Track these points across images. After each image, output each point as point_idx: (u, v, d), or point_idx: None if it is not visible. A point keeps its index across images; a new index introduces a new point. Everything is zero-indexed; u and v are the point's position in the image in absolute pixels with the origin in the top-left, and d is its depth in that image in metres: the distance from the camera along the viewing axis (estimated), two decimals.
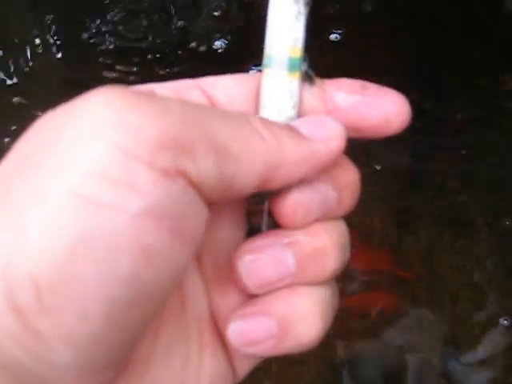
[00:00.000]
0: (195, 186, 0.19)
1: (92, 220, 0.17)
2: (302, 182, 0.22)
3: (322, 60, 0.73)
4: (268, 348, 0.22)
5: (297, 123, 0.22)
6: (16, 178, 0.18)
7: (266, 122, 0.21)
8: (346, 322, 0.69)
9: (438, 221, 0.76)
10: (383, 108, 0.23)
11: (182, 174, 0.18)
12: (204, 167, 0.19)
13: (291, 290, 0.22)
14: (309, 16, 0.22)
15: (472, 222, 0.76)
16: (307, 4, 0.22)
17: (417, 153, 0.78)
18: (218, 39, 0.74)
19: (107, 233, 0.17)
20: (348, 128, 0.23)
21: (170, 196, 0.18)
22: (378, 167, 0.75)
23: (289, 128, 0.22)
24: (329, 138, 0.22)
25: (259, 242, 0.22)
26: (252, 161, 0.20)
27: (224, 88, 0.23)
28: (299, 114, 0.23)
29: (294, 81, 0.23)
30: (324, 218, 0.23)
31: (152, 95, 0.19)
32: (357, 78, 0.24)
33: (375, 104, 0.23)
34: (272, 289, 0.22)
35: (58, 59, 0.81)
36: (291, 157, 0.21)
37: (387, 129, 0.23)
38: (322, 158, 0.21)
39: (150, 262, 0.18)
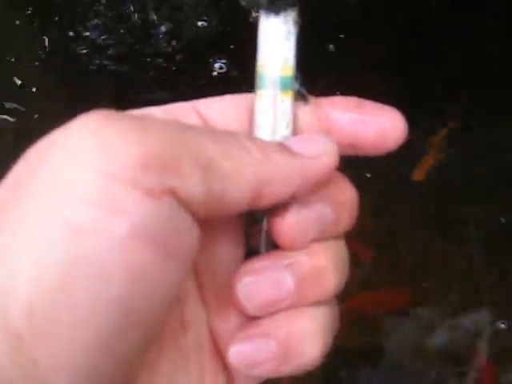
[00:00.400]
0: (184, 203, 0.19)
1: (78, 245, 0.17)
2: (297, 201, 0.22)
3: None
4: (270, 369, 0.22)
5: (289, 142, 0.22)
6: (4, 211, 0.18)
7: (254, 138, 0.22)
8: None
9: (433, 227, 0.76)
10: (379, 125, 0.23)
11: (169, 192, 0.18)
12: (192, 184, 0.19)
13: (291, 311, 0.22)
14: (299, 35, 0.22)
15: (467, 225, 0.75)
16: (297, 23, 0.22)
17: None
18: (217, 62, 0.74)
19: (94, 257, 0.17)
20: (344, 145, 0.23)
21: (155, 215, 0.18)
22: (369, 175, 0.74)
23: (279, 145, 0.22)
24: (320, 154, 0.22)
25: (258, 263, 0.22)
26: (241, 176, 0.20)
27: (219, 109, 0.23)
28: (295, 133, 0.23)
29: (286, 100, 0.22)
30: (322, 237, 0.23)
31: (132, 116, 0.20)
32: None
33: (371, 121, 0.23)
34: (272, 310, 0.22)
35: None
36: (281, 172, 0.21)
37: (384, 145, 0.23)
38: (313, 174, 0.21)
39: (138, 283, 0.18)
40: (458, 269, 0.74)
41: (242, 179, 0.20)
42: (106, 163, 0.18)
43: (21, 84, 0.80)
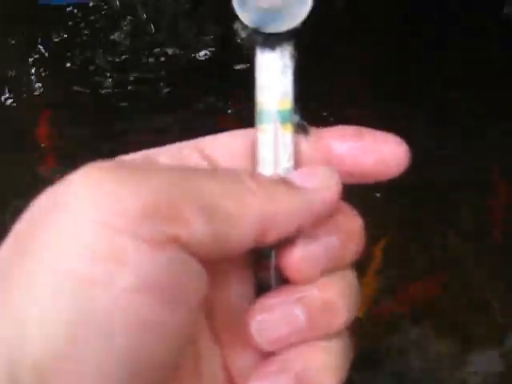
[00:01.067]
0: (189, 248, 0.19)
1: (86, 299, 0.17)
2: (304, 234, 0.22)
3: None
4: None
5: (291, 175, 0.22)
6: (10, 265, 0.18)
7: (256, 176, 0.22)
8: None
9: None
10: (379, 151, 0.23)
11: (173, 240, 0.18)
12: (195, 228, 0.19)
13: (305, 346, 0.22)
14: (296, 68, 0.22)
15: (482, 234, 0.75)
16: (293, 57, 0.22)
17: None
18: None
19: (102, 310, 0.17)
20: (346, 174, 0.23)
21: (161, 265, 0.18)
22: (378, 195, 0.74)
23: (281, 180, 0.22)
24: (322, 187, 0.22)
25: (269, 300, 0.22)
26: (245, 216, 0.20)
27: (222, 146, 0.23)
28: (298, 165, 0.23)
29: (286, 133, 0.23)
30: (331, 268, 0.23)
31: (132, 165, 0.20)
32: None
33: (372, 149, 0.23)
34: (285, 345, 0.22)
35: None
36: (285, 208, 0.21)
37: (385, 172, 0.23)
38: (317, 207, 0.21)
39: (146, 333, 0.18)
40: (472, 279, 0.74)
41: (246, 219, 0.20)
42: (108, 215, 0.18)
43: None
